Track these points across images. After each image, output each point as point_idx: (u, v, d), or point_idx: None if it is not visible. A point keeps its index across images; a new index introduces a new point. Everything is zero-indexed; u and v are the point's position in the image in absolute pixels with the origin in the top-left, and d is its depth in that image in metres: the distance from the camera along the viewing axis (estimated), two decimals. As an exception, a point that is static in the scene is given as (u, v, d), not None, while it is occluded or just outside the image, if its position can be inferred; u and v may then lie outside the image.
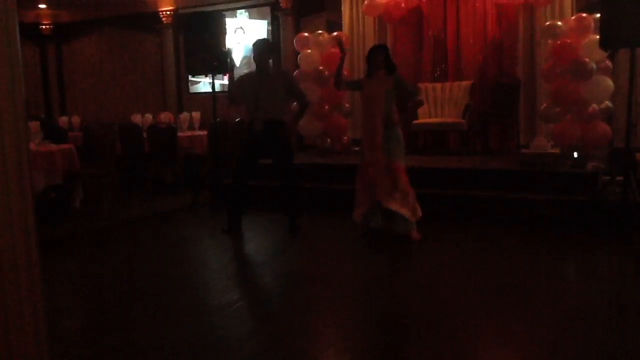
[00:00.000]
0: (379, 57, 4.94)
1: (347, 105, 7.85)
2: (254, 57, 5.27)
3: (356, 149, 8.06)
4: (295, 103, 5.59)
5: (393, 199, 4.77)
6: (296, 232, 5.30)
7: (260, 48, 5.19)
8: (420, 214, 4.87)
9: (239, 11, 10.50)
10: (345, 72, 7.78)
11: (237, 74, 6.05)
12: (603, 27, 4.90)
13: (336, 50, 7.67)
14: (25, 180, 1.15)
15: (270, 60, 5.50)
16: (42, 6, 11.95)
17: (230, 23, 9.31)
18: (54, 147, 5.91)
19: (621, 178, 4.96)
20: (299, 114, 5.45)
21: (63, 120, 11.02)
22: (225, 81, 10.48)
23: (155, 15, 11.06)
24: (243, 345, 2.99)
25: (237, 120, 8.82)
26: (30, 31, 11.93)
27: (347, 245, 4.98)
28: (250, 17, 10.46)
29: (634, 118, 5.10)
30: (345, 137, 7.89)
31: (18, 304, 1.14)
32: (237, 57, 10.50)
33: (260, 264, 4.72)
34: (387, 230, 4.88)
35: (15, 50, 1.20)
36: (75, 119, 11.04)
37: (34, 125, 5.98)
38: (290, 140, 5.51)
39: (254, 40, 5.35)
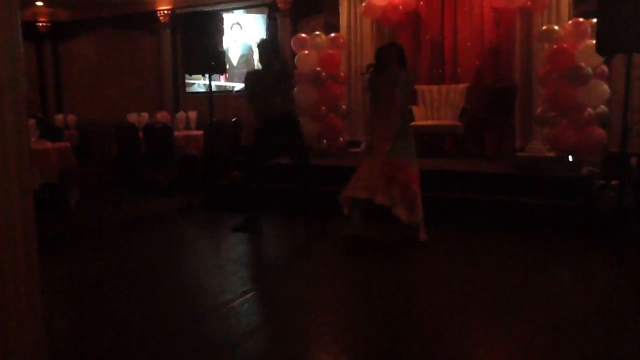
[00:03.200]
0: (391, 52, 4.79)
1: (343, 107, 7.86)
2: (260, 57, 5.31)
3: (354, 150, 8.09)
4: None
5: (387, 196, 4.66)
6: (316, 237, 5.28)
7: (265, 47, 5.28)
8: (420, 215, 4.80)
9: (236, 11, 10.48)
10: (342, 74, 7.84)
11: (237, 73, 6.06)
12: (600, 33, 4.93)
13: (334, 51, 7.72)
14: (26, 180, 1.15)
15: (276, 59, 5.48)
16: (39, 3, 11.90)
17: (227, 18, 9.24)
18: (49, 145, 5.90)
19: (616, 182, 4.98)
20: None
21: (59, 118, 11.01)
22: (222, 82, 10.50)
23: (152, 15, 11.05)
24: (238, 346, 2.99)
25: (234, 120, 8.82)
26: (26, 29, 11.87)
27: (343, 247, 4.97)
28: (247, 11, 10.43)
29: (629, 123, 5.11)
30: (341, 139, 7.90)
31: (17, 303, 1.14)
32: (235, 55, 10.46)
33: (259, 265, 4.73)
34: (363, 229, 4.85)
35: (17, 48, 1.20)
36: (72, 118, 11.03)
37: (31, 123, 5.97)
38: (304, 136, 5.50)
39: (258, 40, 5.39)
